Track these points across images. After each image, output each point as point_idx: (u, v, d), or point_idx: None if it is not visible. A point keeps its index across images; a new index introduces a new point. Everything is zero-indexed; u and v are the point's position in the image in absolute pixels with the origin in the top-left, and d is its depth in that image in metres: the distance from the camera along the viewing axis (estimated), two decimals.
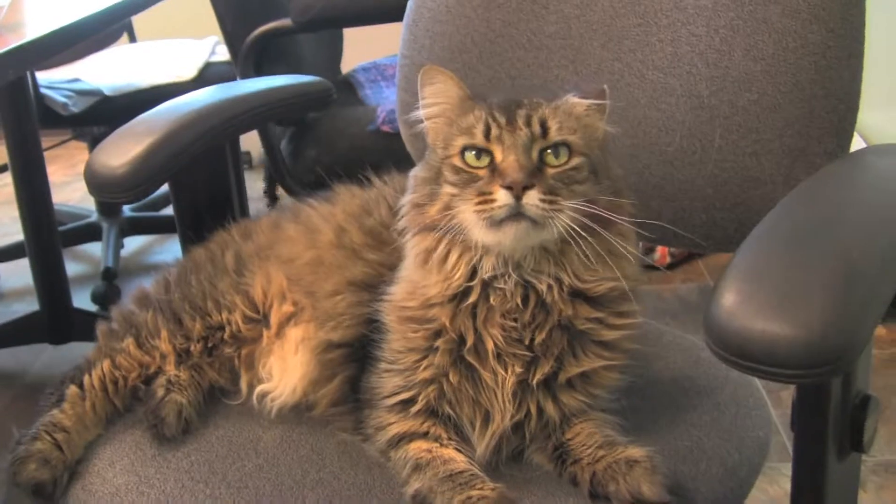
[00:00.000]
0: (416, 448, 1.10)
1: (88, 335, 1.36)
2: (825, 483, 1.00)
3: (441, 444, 1.10)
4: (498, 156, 1.05)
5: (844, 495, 1.07)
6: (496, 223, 1.02)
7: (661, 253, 3.30)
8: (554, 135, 1.06)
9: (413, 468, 1.08)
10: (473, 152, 1.06)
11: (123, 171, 1.31)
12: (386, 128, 2.41)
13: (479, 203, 1.02)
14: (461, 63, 1.50)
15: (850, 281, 0.84)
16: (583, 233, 1.03)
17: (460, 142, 1.08)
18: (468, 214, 1.03)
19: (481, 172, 1.05)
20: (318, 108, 1.59)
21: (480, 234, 1.04)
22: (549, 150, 1.05)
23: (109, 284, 3.22)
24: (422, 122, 1.16)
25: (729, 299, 0.84)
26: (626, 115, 1.38)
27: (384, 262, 1.20)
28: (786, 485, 2.23)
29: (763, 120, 1.28)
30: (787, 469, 2.20)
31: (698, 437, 1.16)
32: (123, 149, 1.33)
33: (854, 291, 0.84)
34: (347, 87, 2.79)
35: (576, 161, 1.06)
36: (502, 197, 1.01)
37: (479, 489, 1.02)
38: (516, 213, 1.01)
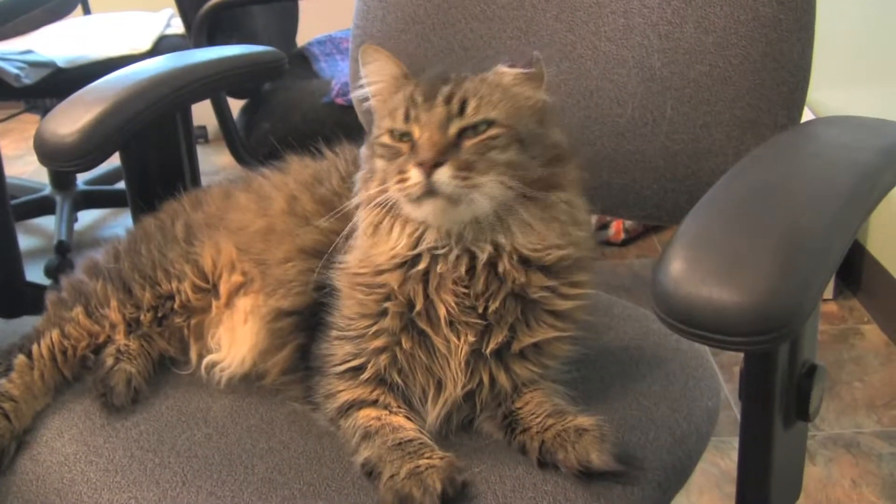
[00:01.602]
0: (366, 416, 1.10)
1: (41, 309, 1.35)
2: (772, 451, 1.01)
3: (390, 412, 1.10)
4: (416, 133, 1.06)
5: (791, 463, 1.08)
6: (415, 200, 1.03)
7: (616, 229, 3.32)
8: (471, 112, 1.06)
9: (362, 436, 1.08)
10: (398, 133, 1.08)
11: (73, 139, 1.30)
12: (340, 100, 2.41)
13: (398, 181, 1.04)
14: (414, 34, 1.50)
15: (796, 248, 0.85)
16: (512, 203, 1.04)
17: (386, 123, 1.10)
18: (393, 191, 1.05)
19: (404, 147, 1.07)
20: (269, 77, 1.58)
21: (407, 209, 1.06)
22: (469, 128, 1.06)
23: (62, 258, 3.19)
24: (367, 99, 1.18)
25: (676, 266, 0.84)
26: (578, 86, 1.38)
27: (335, 230, 1.19)
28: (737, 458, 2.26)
29: (714, 92, 1.29)
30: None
31: (647, 406, 1.17)
32: (73, 117, 1.32)
33: (800, 258, 0.84)
34: (302, 60, 2.78)
35: (495, 130, 1.06)
36: (415, 175, 1.02)
37: (427, 458, 1.02)
38: (430, 191, 1.02)
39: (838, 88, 2.45)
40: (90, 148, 1.31)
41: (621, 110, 1.35)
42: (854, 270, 2.95)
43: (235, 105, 2.55)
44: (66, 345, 1.25)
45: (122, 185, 3.73)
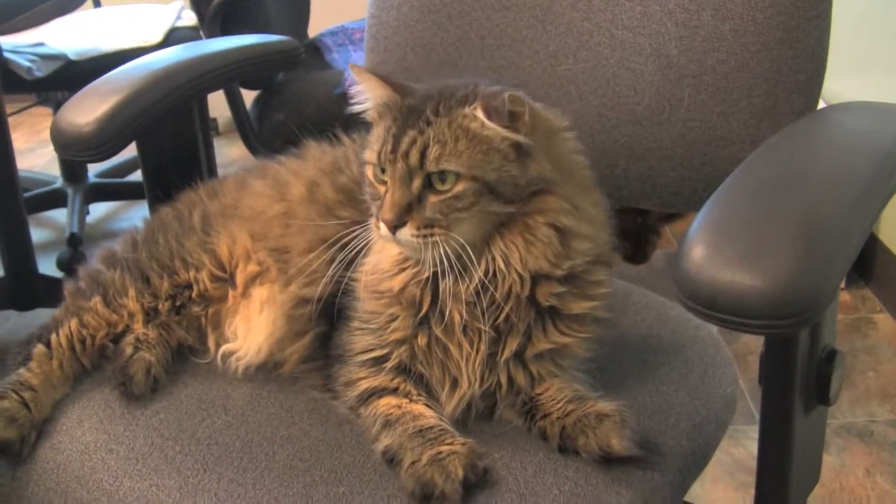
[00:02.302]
0: (386, 404, 1.10)
1: (53, 301, 1.35)
2: (792, 436, 1.01)
3: (411, 400, 1.10)
4: (387, 183, 1.06)
5: (811, 448, 1.08)
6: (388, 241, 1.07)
7: None
8: (431, 166, 1.03)
9: (383, 424, 1.08)
10: (378, 169, 1.08)
11: (90, 129, 1.30)
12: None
13: (375, 225, 1.07)
14: (430, 22, 1.50)
15: (818, 233, 0.85)
16: (485, 237, 1.06)
17: (368, 155, 1.10)
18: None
19: (382, 190, 1.07)
20: (286, 67, 1.58)
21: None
22: (433, 176, 1.04)
23: (75, 251, 3.20)
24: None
25: (698, 252, 0.85)
26: (595, 74, 1.38)
27: (357, 220, 1.20)
28: (751, 447, 2.26)
29: (731, 79, 1.29)
30: (753, 432, 2.25)
31: (666, 393, 1.17)
32: (90, 107, 1.32)
33: (821, 244, 0.84)
34: (314, 51, 2.78)
35: (459, 188, 1.03)
36: (382, 228, 1.05)
37: (448, 444, 1.03)
38: (398, 241, 1.05)
39: (850, 76, 2.44)
40: (107, 138, 1.31)
41: (638, 98, 1.35)
42: (866, 260, 2.94)
43: (248, 96, 2.55)
44: (85, 334, 1.26)
45: (133, 177, 3.74)
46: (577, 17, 1.40)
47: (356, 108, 1.15)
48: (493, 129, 1.03)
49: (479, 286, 1.06)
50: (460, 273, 1.06)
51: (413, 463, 1.01)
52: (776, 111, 1.27)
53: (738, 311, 0.81)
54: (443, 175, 1.03)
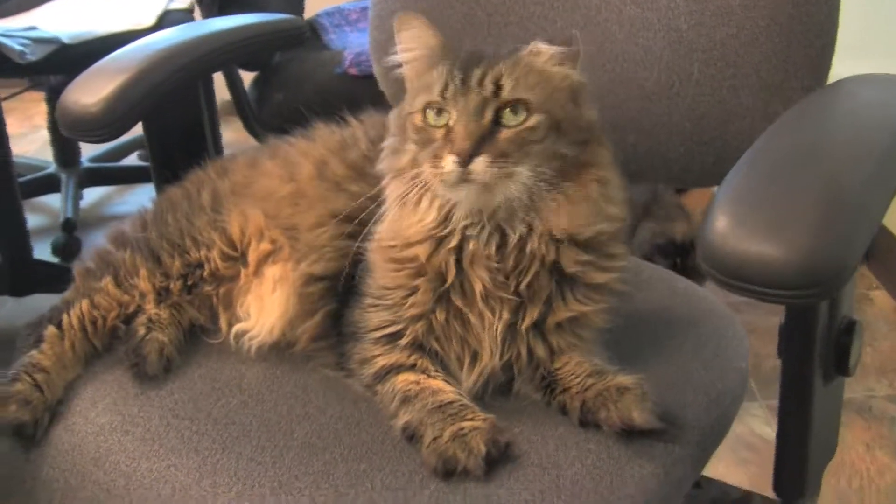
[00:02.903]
0: (404, 380, 1.09)
1: (50, 287, 1.34)
2: (812, 406, 1.02)
3: (428, 376, 1.10)
4: (452, 117, 1.04)
5: (829, 420, 1.09)
6: (450, 185, 1.03)
7: None
8: (508, 94, 1.04)
9: (401, 401, 1.08)
10: (434, 110, 1.06)
11: (97, 108, 1.29)
12: (353, 70, 2.40)
13: (432, 167, 1.03)
14: (436, 1, 1.49)
15: (840, 204, 0.85)
16: (547, 185, 1.04)
17: (422, 99, 1.08)
18: (426, 173, 1.04)
19: (439, 133, 1.05)
20: (290, 45, 1.58)
21: (441, 191, 1.05)
22: (505, 109, 1.04)
23: (70, 236, 3.18)
24: (399, 66, 1.16)
25: (722, 223, 0.84)
26: (603, 49, 1.37)
27: (367, 194, 1.19)
28: (752, 423, 2.28)
29: (741, 54, 1.29)
30: (754, 409, 2.26)
31: (682, 367, 1.17)
32: (97, 86, 1.31)
33: (843, 214, 0.84)
34: (311, 32, 2.77)
35: (532, 121, 1.04)
36: (450, 164, 1.01)
37: (470, 420, 1.02)
38: (465, 179, 1.01)
39: (854, 59, 2.44)
40: (115, 117, 1.30)
41: (647, 73, 1.35)
42: None
43: (246, 78, 2.54)
44: (96, 315, 1.25)
45: (126, 161, 3.73)
46: None
47: (400, 57, 1.15)
48: (560, 64, 1.08)
49: (511, 246, 1.06)
50: (499, 229, 1.06)
51: (435, 439, 1.01)
52: (786, 86, 1.27)
53: (764, 281, 0.81)
54: (515, 108, 1.03)
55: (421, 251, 1.09)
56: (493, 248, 1.06)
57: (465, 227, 1.07)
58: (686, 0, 1.31)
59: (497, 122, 1.04)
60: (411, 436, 1.05)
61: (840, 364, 1.03)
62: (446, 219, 1.07)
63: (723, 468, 2.15)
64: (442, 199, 1.07)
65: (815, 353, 0.99)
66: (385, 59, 1.38)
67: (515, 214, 1.05)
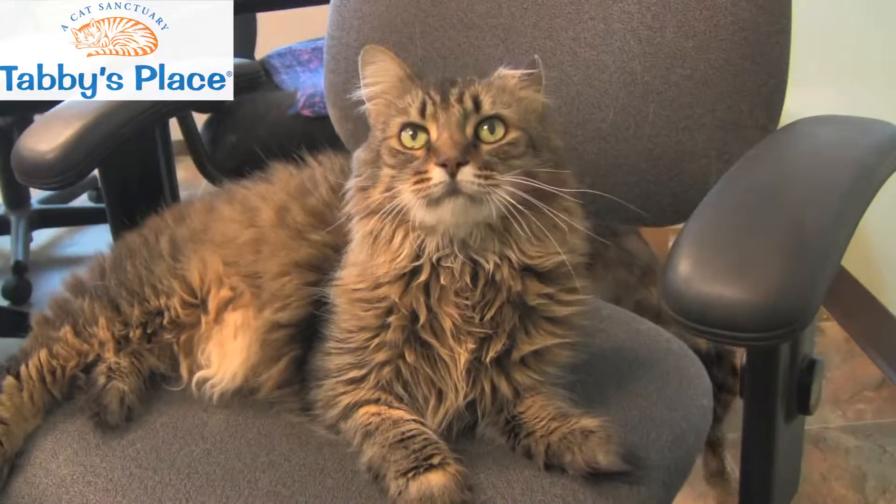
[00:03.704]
0: (365, 413, 1.09)
1: (1, 330, 1.32)
2: (774, 445, 1.03)
3: (389, 406, 1.10)
4: (433, 134, 1.05)
5: (791, 457, 1.10)
6: (434, 201, 1.02)
7: None
8: (487, 108, 1.06)
9: (363, 435, 1.07)
10: (410, 132, 1.06)
11: (53, 155, 1.29)
12: (306, 112, 2.40)
13: (416, 182, 1.02)
14: (391, 43, 1.50)
15: (803, 245, 0.86)
16: (523, 208, 1.03)
17: (398, 121, 1.08)
18: (407, 195, 1.03)
19: (418, 153, 1.05)
20: (247, 89, 1.57)
21: (420, 213, 1.03)
22: (484, 125, 1.05)
23: (20, 278, 3.14)
24: (362, 103, 1.16)
25: (685, 266, 0.86)
26: (559, 91, 1.39)
27: (328, 243, 1.19)
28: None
29: (696, 95, 1.31)
30: None
31: (646, 406, 1.18)
32: (53, 133, 1.31)
33: (807, 256, 0.86)
34: (263, 73, 2.76)
35: (512, 136, 1.06)
36: (437, 175, 1.01)
37: (436, 466, 1.02)
38: (452, 190, 1.01)
39: (807, 88, 2.48)
40: (71, 164, 1.30)
41: (603, 115, 1.36)
42: None
43: (198, 119, 2.53)
44: (55, 364, 1.23)
45: (77, 202, 3.69)
46: (540, 35, 1.41)
47: (365, 92, 1.14)
48: (528, 87, 1.11)
49: (483, 278, 1.06)
50: (471, 260, 1.06)
51: (400, 493, 1.01)
52: (740, 125, 1.29)
53: (728, 324, 0.82)
54: (493, 125, 1.05)
55: (392, 291, 1.08)
56: (466, 279, 1.06)
57: (438, 260, 1.06)
58: (640, 43, 1.33)
59: (476, 138, 1.05)
60: (376, 475, 1.04)
61: (801, 403, 1.04)
62: (419, 253, 1.07)
63: (680, 502, 2.15)
64: (417, 229, 1.06)
65: (778, 393, 1.01)
66: (342, 101, 1.39)
67: (489, 242, 1.06)
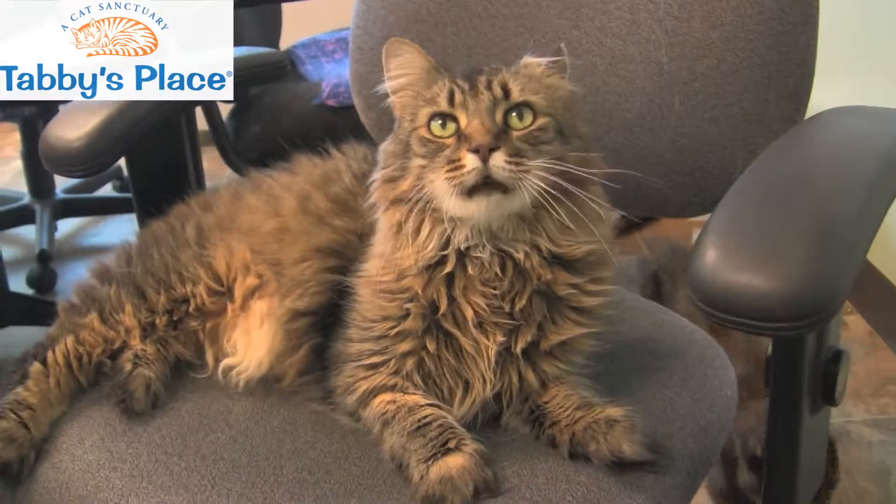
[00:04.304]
0: (380, 401, 1.10)
1: (25, 319, 1.33)
2: (799, 436, 1.02)
3: (404, 393, 1.10)
4: (463, 122, 1.05)
5: (816, 448, 1.09)
6: (466, 192, 1.01)
7: None
8: (516, 95, 1.06)
9: (382, 424, 1.08)
10: (439, 121, 1.06)
11: (80, 143, 1.30)
12: (331, 102, 2.41)
13: (449, 171, 1.02)
14: (416, 33, 1.50)
15: (830, 234, 0.86)
16: (556, 193, 1.02)
17: (426, 111, 1.07)
18: (439, 183, 1.03)
19: (448, 141, 1.05)
20: (271, 79, 1.58)
21: (452, 204, 1.03)
22: (512, 112, 1.05)
23: (45, 267, 3.16)
24: (387, 95, 1.15)
25: (711, 255, 0.85)
26: (584, 81, 1.38)
27: (350, 228, 1.20)
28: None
29: (722, 85, 1.30)
30: None
31: (670, 397, 1.18)
32: (79, 121, 1.31)
33: (833, 245, 0.85)
34: (289, 62, 2.77)
35: (541, 121, 1.06)
36: (470, 161, 1.00)
37: (454, 451, 1.02)
38: (486, 181, 1.00)
39: (834, 81, 2.47)
40: (97, 152, 1.31)
41: (629, 105, 1.36)
42: None
43: (223, 109, 2.54)
44: (82, 351, 1.24)
45: (101, 192, 3.71)
46: (566, 25, 1.41)
47: (390, 85, 1.14)
48: (554, 74, 1.11)
49: (511, 267, 1.06)
50: (500, 251, 1.06)
51: (422, 478, 1.01)
52: (766, 116, 1.28)
53: (754, 314, 0.82)
54: (521, 112, 1.05)
55: (415, 282, 1.08)
56: (496, 269, 1.06)
57: (466, 249, 1.06)
58: (667, 33, 1.32)
59: (506, 125, 1.05)
60: (399, 464, 1.05)
61: (827, 394, 1.04)
62: (446, 244, 1.07)
63: (703, 496, 2.15)
64: (441, 223, 1.06)
65: (803, 384, 1.00)
66: (367, 91, 1.39)
67: (520, 233, 1.06)
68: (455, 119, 1.06)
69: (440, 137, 1.06)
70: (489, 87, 1.06)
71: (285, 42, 3.00)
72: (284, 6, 2.96)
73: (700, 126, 1.31)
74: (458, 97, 1.06)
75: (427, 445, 1.03)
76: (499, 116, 1.05)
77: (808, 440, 1.04)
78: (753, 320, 0.83)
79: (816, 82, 1.30)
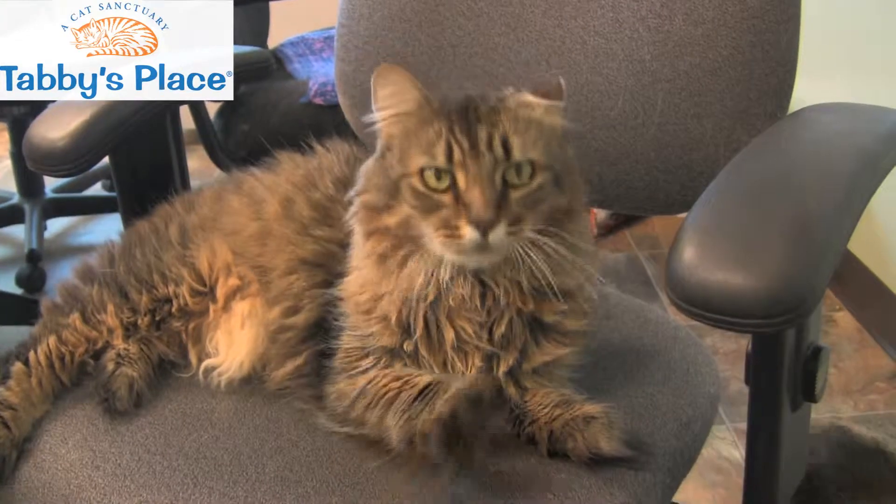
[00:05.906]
0: (374, 382, 1.09)
1: (14, 318, 1.33)
2: (780, 432, 1.03)
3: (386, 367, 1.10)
4: (461, 182, 1.01)
5: (796, 444, 1.10)
6: (464, 253, 1.01)
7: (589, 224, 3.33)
8: (518, 155, 1.02)
9: (383, 407, 1.07)
10: (432, 172, 1.02)
11: (64, 143, 1.29)
12: (318, 100, 2.42)
13: (447, 236, 1.00)
14: (401, 31, 1.50)
15: (807, 232, 0.87)
16: (539, 238, 1.02)
17: (420, 161, 1.03)
18: (432, 241, 1.02)
19: (444, 198, 1.01)
20: (259, 77, 1.58)
21: (446, 258, 1.03)
22: (512, 169, 1.02)
23: (34, 267, 3.15)
24: (373, 123, 1.10)
25: (689, 253, 0.86)
26: (568, 80, 1.35)
27: (332, 239, 1.19)
28: (719, 447, 2.29)
29: (704, 83, 1.30)
30: (721, 431, 2.27)
31: (652, 394, 1.18)
32: (63, 120, 1.31)
33: (811, 242, 0.86)
34: (276, 62, 2.77)
35: (540, 179, 1.03)
36: (469, 233, 0.99)
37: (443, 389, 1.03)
38: (483, 247, 0.99)
39: (817, 78, 2.48)
40: (81, 152, 1.30)
41: (612, 103, 1.36)
42: None
43: (210, 108, 2.54)
44: (64, 351, 1.24)
45: (91, 191, 3.70)
46: (550, 24, 1.41)
47: (380, 115, 1.09)
48: (552, 114, 1.06)
49: (493, 299, 1.06)
50: (489, 276, 1.05)
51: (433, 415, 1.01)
52: (749, 114, 1.29)
53: (732, 311, 0.82)
54: (520, 168, 1.02)
55: (392, 309, 1.08)
56: (476, 301, 1.06)
57: (447, 282, 1.05)
58: (649, 31, 1.32)
59: (504, 182, 1.02)
60: (410, 440, 1.03)
61: (807, 390, 1.04)
62: (430, 280, 1.06)
63: (692, 492, 2.16)
64: (426, 261, 1.05)
65: (783, 381, 1.01)
66: (352, 89, 1.39)
67: (502, 270, 1.05)
68: (451, 174, 1.02)
69: (434, 191, 1.02)
70: (490, 144, 1.01)
71: (274, 40, 2.99)
72: (273, 5, 2.96)
73: (683, 123, 1.32)
74: (457, 155, 1.01)
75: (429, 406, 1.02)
76: (498, 178, 1.01)
77: (788, 436, 1.04)
78: (731, 317, 0.83)
79: (801, 80, 1.31)
